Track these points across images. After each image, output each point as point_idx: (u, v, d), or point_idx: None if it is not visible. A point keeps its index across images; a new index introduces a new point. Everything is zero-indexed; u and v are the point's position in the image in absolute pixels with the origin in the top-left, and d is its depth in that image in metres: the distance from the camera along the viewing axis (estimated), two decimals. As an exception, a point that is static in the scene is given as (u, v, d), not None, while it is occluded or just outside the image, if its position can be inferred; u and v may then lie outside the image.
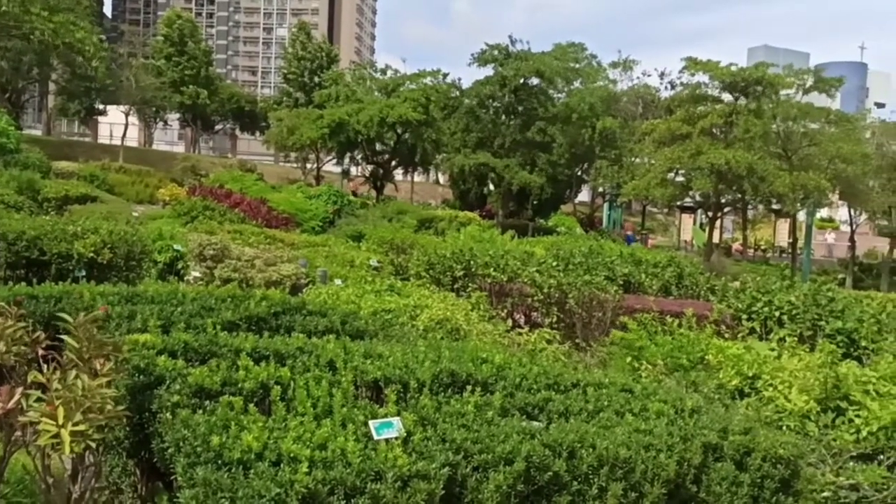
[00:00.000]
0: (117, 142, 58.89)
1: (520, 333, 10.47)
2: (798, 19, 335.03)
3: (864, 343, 10.26)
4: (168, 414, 4.11)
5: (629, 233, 49.15)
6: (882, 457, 6.14)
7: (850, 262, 40.14)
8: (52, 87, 64.30)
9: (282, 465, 3.57)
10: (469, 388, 5.06)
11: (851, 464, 6.00)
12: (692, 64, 37.04)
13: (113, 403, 3.92)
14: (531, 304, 12.60)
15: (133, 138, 66.05)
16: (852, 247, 41.00)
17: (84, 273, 10.06)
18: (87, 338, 4.20)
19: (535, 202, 50.02)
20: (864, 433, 6.35)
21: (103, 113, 65.67)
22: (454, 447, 4.09)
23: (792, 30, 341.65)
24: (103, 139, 65.48)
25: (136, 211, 28.12)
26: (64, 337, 4.21)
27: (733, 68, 36.50)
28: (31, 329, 4.51)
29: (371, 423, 4.13)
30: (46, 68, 56.86)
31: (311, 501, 3.43)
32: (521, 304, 12.73)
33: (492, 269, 13.49)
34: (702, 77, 37.39)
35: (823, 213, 60.47)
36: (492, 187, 50.34)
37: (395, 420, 4.20)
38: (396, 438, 4.05)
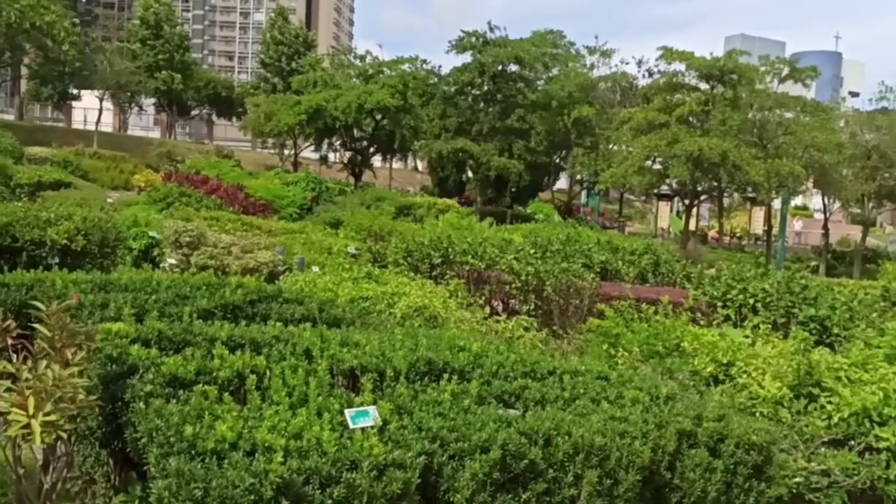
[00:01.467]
0: (91, 127, 58.13)
1: (497, 321, 10.48)
2: (775, 8, 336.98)
3: (836, 330, 10.37)
4: (141, 403, 4.07)
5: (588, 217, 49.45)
6: (853, 442, 6.21)
7: (824, 250, 40.57)
8: (24, 71, 63.27)
9: (256, 455, 3.55)
10: (446, 376, 5.06)
11: (823, 449, 6.07)
12: (668, 53, 37.17)
13: (85, 393, 3.88)
14: (509, 291, 12.62)
15: (108, 123, 65.17)
16: (826, 234, 41.43)
17: (57, 260, 9.94)
18: (60, 327, 4.16)
19: (513, 189, 50.08)
20: (835, 419, 6.42)
21: (77, 98, 64.72)
22: (430, 436, 4.10)
23: (769, 18, 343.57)
24: (77, 124, 64.57)
25: (111, 197, 27.81)
26: (36, 326, 4.16)
27: (708, 57, 36.67)
28: (2, 318, 4.45)
29: (347, 411, 4.12)
30: (18, 52, 55.92)
31: (286, 491, 3.42)
32: (498, 292, 12.75)
33: (470, 257, 13.50)
34: (678, 66, 37.56)
35: (798, 201, 61.08)
36: (470, 174, 50.32)
37: (371, 409, 4.19)
38: (372, 427, 4.04)
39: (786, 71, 37.38)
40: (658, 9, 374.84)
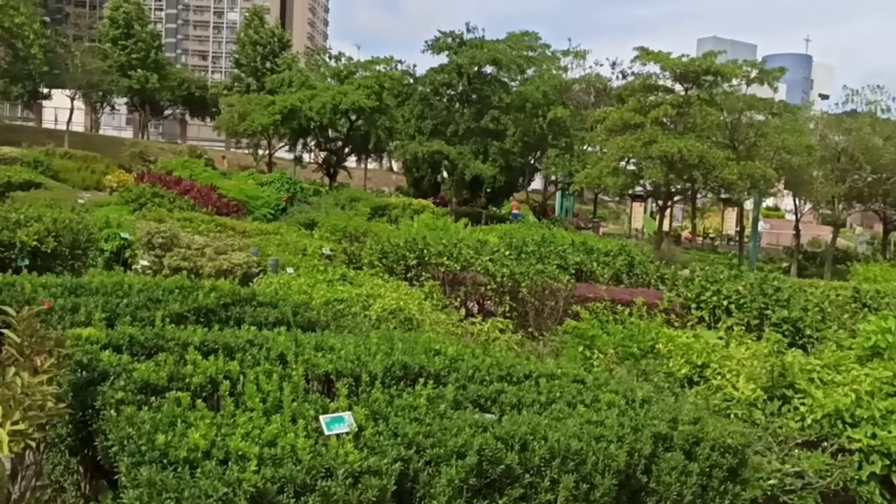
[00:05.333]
0: (62, 126, 57.46)
1: (473, 323, 10.47)
2: (747, 11, 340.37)
3: (808, 332, 10.48)
4: (112, 411, 4.01)
5: (515, 211, 49.20)
6: (826, 444, 6.26)
7: (795, 251, 40.96)
8: (-8, 69, 62.38)
9: (230, 464, 3.51)
10: (422, 380, 5.03)
11: (796, 451, 6.11)
12: (644, 54, 37.29)
13: (54, 401, 3.81)
14: (484, 293, 12.61)
15: (79, 123, 64.46)
16: (797, 235, 41.85)
17: (27, 262, 9.79)
18: (29, 333, 4.07)
19: (488, 190, 50.13)
20: (808, 420, 6.48)
21: (48, 97, 63.87)
22: (406, 441, 4.07)
23: (741, 21, 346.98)
24: (48, 124, 63.85)
25: (82, 198, 27.46)
26: (4, 331, 4.07)
27: (684, 59, 36.89)
28: (-32, 324, 4.36)
29: (322, 418, 4.08)
30: (-14, 51, 55.16)
31: (260, 500, 3.37)
32: (474, 293, 12.73)
33: (445, 258, 13.46)
34: (653, 67, 37.69)
35: (769, 202, 61.66)
36: (445, 175, 50.27)
37: (347, 415, 4.16)
38: (347, 433, 4.01)
39: (754, 73, 37.71)
40: (630, 11, 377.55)
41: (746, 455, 5.26)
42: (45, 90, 62.77)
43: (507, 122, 47.14)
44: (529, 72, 48.69)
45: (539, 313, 12.19)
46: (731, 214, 51.52)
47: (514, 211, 48.35)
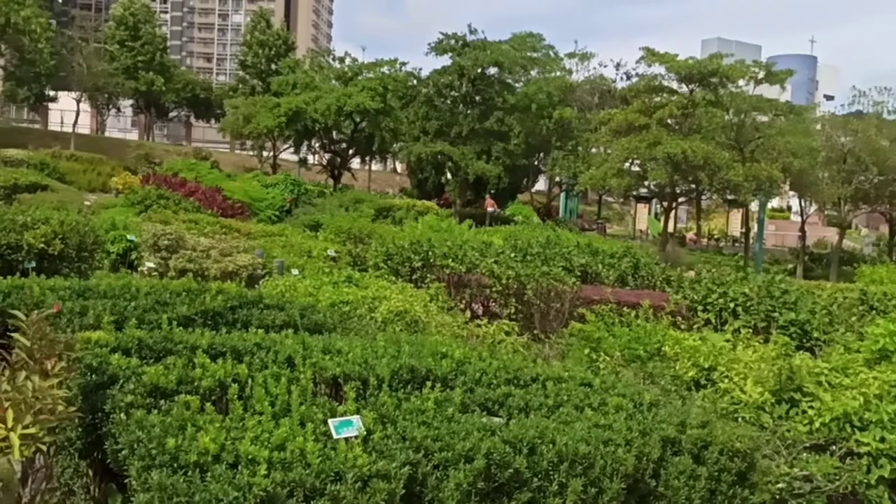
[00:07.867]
0: (68, 129, 57.59)
1: (478, 325, 10.46)
2: (751, 12, 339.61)
3: (816, 334, 10.45)
4: (122, 414, 4.01)
5: (490, 209, 48.99)
6: (834, 447, 6.24)
7: (801, 252, 40.86)
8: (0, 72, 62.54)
9: (239, 468, 3.51)
10: (429, 383, 5.04)
11: (805, 455, 6.09)
12: (650, 55, 37.29)
13: (64, 404, 3.82)
14: (490, 295, 12.60)
15: (85, 125, 64.63)
16: (802, 237, 41.77)
17: (34, 264, 9.82)
18: (39, 336, 4.08)
19: (492, 191, 50.09)
20: (816, 424, 6.45)
21: (54, 99, 64.06)
22: (414, 445, 4.07)
23: (745, 22, 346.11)
24: (54, 126, 63.97)
25: (89, 200, 27.54)
26: (15, 335, 4.08)
27: (690, 61, 36.86)
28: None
29: (330, 422, 4.08)
30: (-6, 53, 55.31)
31: (270, 504, 3.38)
32: (479, 295, 12.72)
33: (450, 260, 13.45)
34: (658, 68, 37.69)
35: (775, 203, 61.55)
36: (449, 176, 50.26)
37: (355, 418, 4.16)
38: (356, 437, 4.01)
39: (762, 74, 37.68)
40: (633, 12, 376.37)
41: (755, 459, 5.25)
42: (52, 93, 62.94)
43: (511, 123, 47.13)
44: (533, 73, 48.65)
45: (544, 315, 12.18)
46: (737, 216, 51.41)
47: (489, 209, 48.30)
